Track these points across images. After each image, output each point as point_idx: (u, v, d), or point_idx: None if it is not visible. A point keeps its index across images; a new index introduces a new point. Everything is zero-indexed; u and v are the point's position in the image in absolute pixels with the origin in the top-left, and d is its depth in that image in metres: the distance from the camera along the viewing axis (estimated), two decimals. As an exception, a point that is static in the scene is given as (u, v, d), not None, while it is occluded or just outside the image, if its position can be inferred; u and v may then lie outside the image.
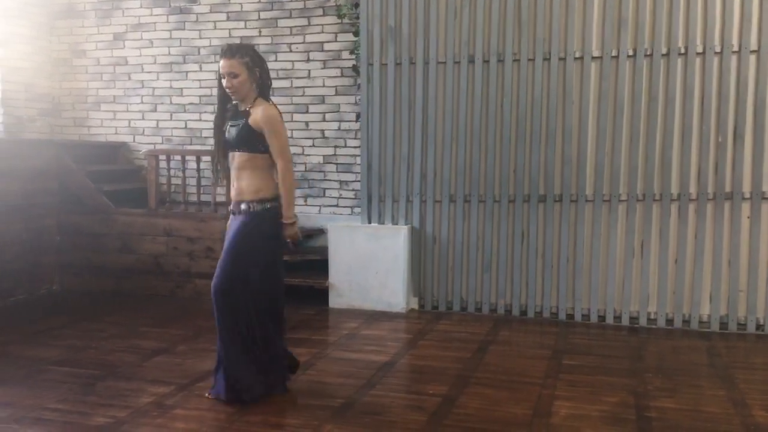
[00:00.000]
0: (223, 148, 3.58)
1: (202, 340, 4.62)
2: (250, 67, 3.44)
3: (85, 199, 6.18)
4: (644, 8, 4.98)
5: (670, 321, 5.07)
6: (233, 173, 3.53)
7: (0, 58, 6.43)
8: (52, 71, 7.06)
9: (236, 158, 3.50)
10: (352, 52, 6.06)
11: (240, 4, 6.47)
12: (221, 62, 3.43)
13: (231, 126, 3.51)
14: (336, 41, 6.21)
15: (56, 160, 6.17)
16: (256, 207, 3.45)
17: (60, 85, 7.09)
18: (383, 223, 5.59)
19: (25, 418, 3.29)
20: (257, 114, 3.43)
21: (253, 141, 3.44)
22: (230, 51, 3.43)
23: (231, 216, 3.58)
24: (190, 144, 6.75)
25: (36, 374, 3.92)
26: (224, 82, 3.45)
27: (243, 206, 3.46)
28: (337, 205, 6.33)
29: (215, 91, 6.43)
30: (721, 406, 3.49)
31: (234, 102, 3.56)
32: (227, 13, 6.52)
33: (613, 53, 5.06)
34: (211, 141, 6.54)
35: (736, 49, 4.85)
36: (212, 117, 6.48)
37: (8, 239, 5.78)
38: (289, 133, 6.30)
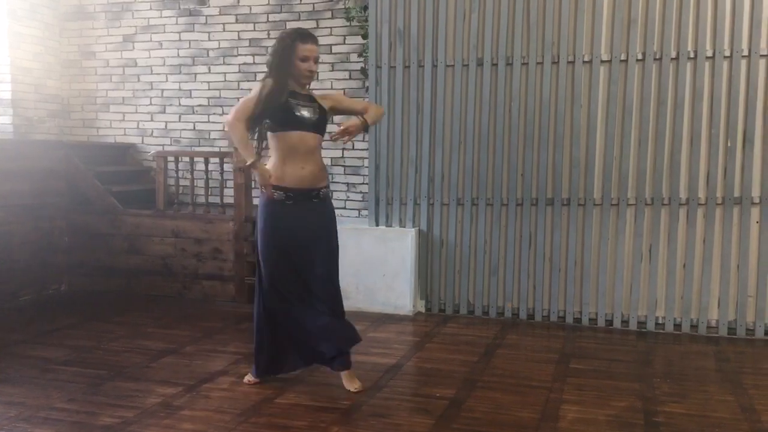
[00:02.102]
0: (290, 124, 3.51)
1: (209, 342, 4.62)
2: None
3: (93, 200, 6.20)
4: (654, 12, 4.97)
5: (678, 326, 5.05)
6: (301, 155, 3.52)
7: (10, 59, 6.47)
8: (61, 72, 7.10)
9: (310, 140, 3.56)
10: (360, 55, 6.07)
11: (249, 6, 6.49)
12: (310, 46, 3.52)
13: (302, 107, 3.54)
14: (344, 44, 6.22)
15: (65, 161, 6.19)
16: (328, 193, 3.75)
17: (69, 86, 7.12)
18: (390, 226, 5.59)
19: (34, 417, 3.30)
20: (324, 98, 3.68)
21: (326, 126, 3.71)
22: (315, 38, 3.59)
23: (293, 202, 3.54)
24: (199, 146, 6.78)
25: (44, 374, 3.93)
26: (306, 65, 3.51)
27: (323, 192, 3.67)
28: (344, 208, 6.34)
29: (224, 93, 6.63)
30: (730, 411, 3.48)
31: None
32: (236, 15, 6.54)
33: (622, 57, 5.05)
34: (220, 143, 6.64)
35: (746, 53, 4.83)
36: (220, 119, 6.64)
37: (17, 239, 5.81)
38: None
